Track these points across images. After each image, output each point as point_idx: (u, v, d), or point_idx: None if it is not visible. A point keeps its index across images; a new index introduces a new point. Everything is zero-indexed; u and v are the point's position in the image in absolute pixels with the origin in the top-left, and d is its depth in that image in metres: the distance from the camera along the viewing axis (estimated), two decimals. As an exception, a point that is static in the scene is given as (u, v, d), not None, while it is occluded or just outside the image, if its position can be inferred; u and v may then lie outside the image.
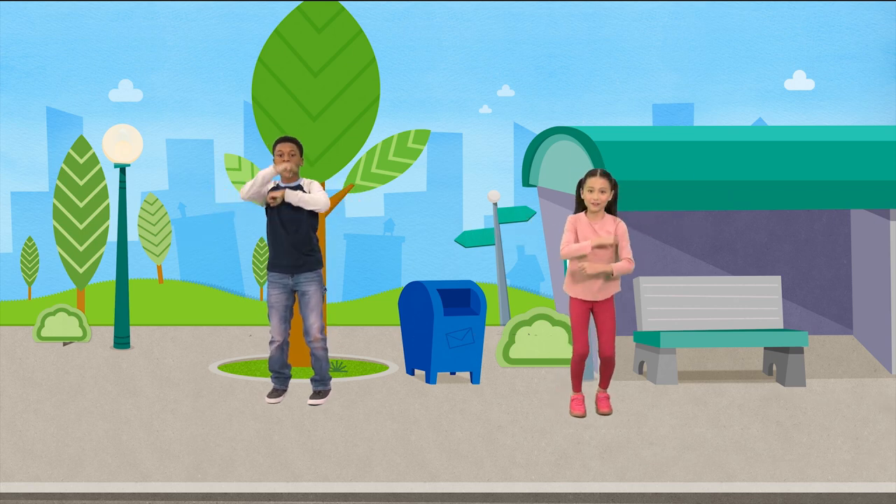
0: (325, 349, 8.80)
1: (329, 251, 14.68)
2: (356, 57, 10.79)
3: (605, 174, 8.18)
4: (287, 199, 8.54)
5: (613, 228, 8.21)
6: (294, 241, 8.63)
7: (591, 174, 8.19)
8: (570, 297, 8.36)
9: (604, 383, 8.50)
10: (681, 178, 10.25)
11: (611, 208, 8.27)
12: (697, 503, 6.09)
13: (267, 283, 8.84)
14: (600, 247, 8.16)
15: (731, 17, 15.13)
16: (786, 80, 15.10)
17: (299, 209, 8.60)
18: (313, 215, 8.71)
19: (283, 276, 8.69)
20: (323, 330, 8.71)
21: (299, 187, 8.69)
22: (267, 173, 8.53)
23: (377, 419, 8.12)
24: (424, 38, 15.05)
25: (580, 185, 8.26)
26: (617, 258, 8.27)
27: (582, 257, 8.16)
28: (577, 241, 8.21)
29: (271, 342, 8.80)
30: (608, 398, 8.51)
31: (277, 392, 9.02)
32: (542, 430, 7.78)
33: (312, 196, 8.62)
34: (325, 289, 8.78)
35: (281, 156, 8.63)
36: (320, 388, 8.94)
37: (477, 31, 15.10)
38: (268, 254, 15.31)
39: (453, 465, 6.64)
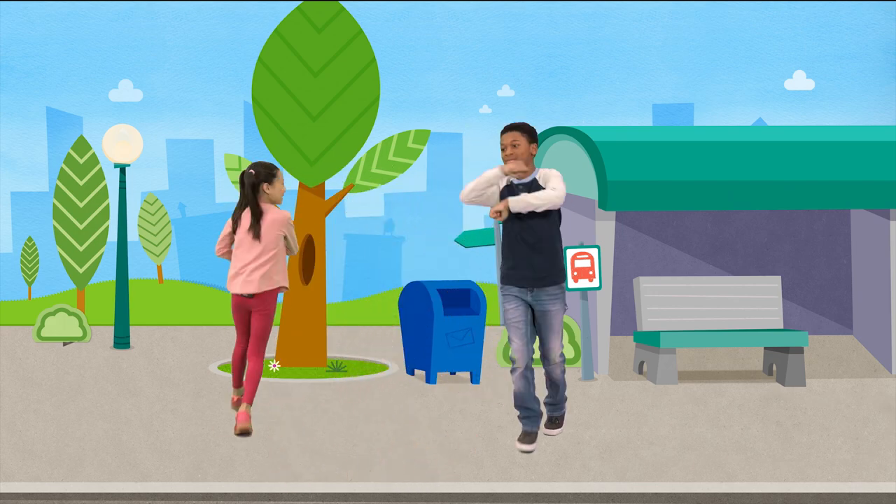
0: (564, 371, 7.36)
1: (329, 251, 14.68)
2: (356, 57, 10.79)
3: None
4: (513, 210, 7.03)
5: None
6: (533, 249, 7.09)
7: (277, 168, 8.06)
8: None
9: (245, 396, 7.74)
10: (681, 178, 10.25)
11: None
12: (697, 503, 6.09)
13: (501, 296, 7.33)
14: None
15: (731, 17, 15.13)
16: (786, 80, 15.10)
17: (538, 213, 7.09)
18: (557, 217, 7.18)
19: (521, 291, 7.11)
20: (563, 353, 7.31)
21: (535, 183, 7.10)
22: (490, 175, 7.09)
23: (377, 419, 8.12)
24: (424, 38, 15.05)
25: (270, 181, 7.98)
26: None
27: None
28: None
29: (513, 370, 7.12)
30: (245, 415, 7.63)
31: (529, 436, 7.20)
32: (541, 429, 7.77)
33: (542, 194, 7.00)
34: (567, 306, 7.34)
35: (504, 150, 7.14)
36: (555, 414, 7.49)
37: (477, 31, 15.10)
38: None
39: (453, 465, 6.64)
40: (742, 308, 10.52)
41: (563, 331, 10.85)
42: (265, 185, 7.90)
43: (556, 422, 7.49)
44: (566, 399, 7.49)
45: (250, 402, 7.66)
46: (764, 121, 15.02)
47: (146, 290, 15.10)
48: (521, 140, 7.05)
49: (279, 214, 7.89)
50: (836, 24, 15.06)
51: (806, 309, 11.95)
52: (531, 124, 7.17)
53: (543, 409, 7.46)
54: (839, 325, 11.92)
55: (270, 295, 7.79)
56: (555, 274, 7.11)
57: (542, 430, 7.49)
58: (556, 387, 7.32)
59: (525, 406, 7.14)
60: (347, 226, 15.05)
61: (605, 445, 7.28)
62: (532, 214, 7.04)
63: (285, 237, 7.88)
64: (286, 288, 7.92)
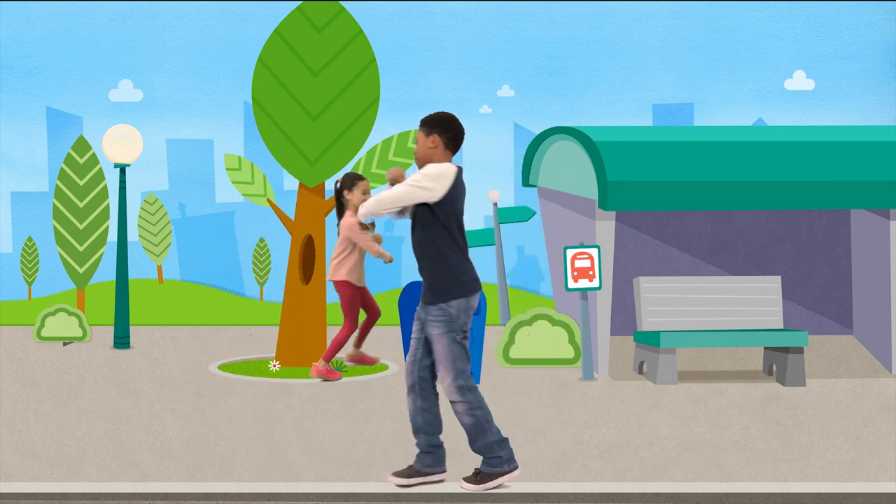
0: (467, 413, 6.01)
1: (329, 251, 14.67)
2: (356, 57, 10.79)
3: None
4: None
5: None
6: (418, 261, 6.19)
7: (362, 179, 9.75)
8: (353, 286, 9.87)
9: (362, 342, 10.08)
10: (681, 178, 10.25)
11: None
12: (697, 503, 6.09)
13: None
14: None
15: (731, 17, 15.13)
16: (786, 80, 15.10)
17: (415, 216, 6.14)
18: (430, 220, 6.05)
19: (420, 307, 6.21)
20: (460, 388, 5.98)
21: None
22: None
23: (377, 419, 8.12)
24: (424, 38, 15.05)
25: (350, 188, 9.68)
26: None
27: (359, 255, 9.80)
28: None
29: None
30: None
31: (406, 470, 6.18)
32: (542, 430, 7.77)
33: (375, 197, 6.18)
34: (461, 333, 6.03)
35: None
36: (479, 467, 6.13)
37: (477, 31, 15.10)
38: (269, 254, 15.34)
39: (453, 465, 6.64)
40: (742, 308, 10.51)
41: (570, 331, 10.86)
42: (346, 192, 9.50)
43: (476, 476, 6.08)
44: (493, 452, 6.04)
45: (326, 360, 9.90)
46: (764, 121, 15.02)
47: (146, 290, 15.10)
48: (419, 136, 6.22)
49: (345, 220, 9.56)
50: (836, 24, 15.06)
51: (806, 309, 11.95)
52: (446, 112, 6.31)
53: (436, 451, 6.18)
54: (839, 325, 11.92)
55: (337, 284, 9.72)
56: (434, 293, 6.01)
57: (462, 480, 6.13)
58: (464, 427, 6.06)
59: (414, 433, 6.20)
60: (347, 226, 15.04)
61: (605, 445, 7.28)
62: (413, 219, 6.12)
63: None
64: (344, 282, 9.73)
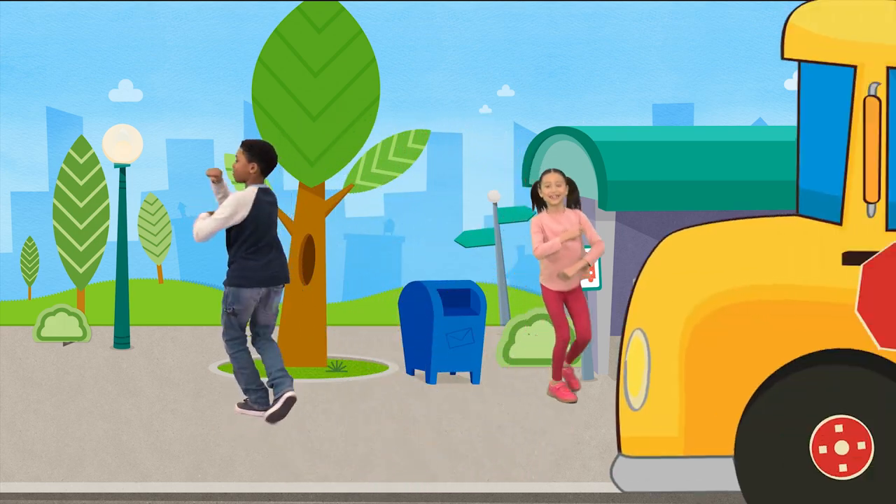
0: (231, 362, 8.37)
1: (329, 251, 14.68)
2: (356, 57, 10.79)
3: (558, 171, 9.20)
4: None
5: (576, 219, 9.09)
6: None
7: (545, 173, 9.20)
8: (548, 290, 9.06)
9: (572, 359, 9.36)
10: (681, 178, 10.25)
11: (573, 203, 9.20)
12: (698, 503, 6.09)
13: None
14: (570, 239, 8.91)
15: (731, 17, 15.13)
16: (786, 80, 15.10)
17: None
18: (234, 227, 8.29)
19: None
20: (227, 347, 8.41)
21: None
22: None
23: (377, 419, 8.12)
24: (424, 38, 15.04)
25: (536, 186, 9.15)
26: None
27: (555, 254, 8.92)
28: (545, 238, 8.91)
29: None
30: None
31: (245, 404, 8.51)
32: (542, 430, 7.77)
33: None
34: (230, 309, 8.21)
35: None
36: (242, 400, 8.50)
37: (477, 31, 15.10)
38: None
39: (453, 465, 6.64)
40: (742, 308, 10.49)
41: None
42: (539, 191, 9.05)
43: (242, 404, 8.39)
44: (249, 395, 8.26)
45: (569, 362, 9.22)
46: (764, 121, 15.02)
47: (146, 290, 15.09)
48: (240, 156, 8.22)
49: None
50: (836, 24, 15.04)
51: (806, 309, 11.93)
52: (257, 139, 8.35)
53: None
54: (839, 325, 11.90)
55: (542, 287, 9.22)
56: (227, 276, 8.27)
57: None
58: None
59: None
60: (347, 226, 15.04)
61: (605, 445, 7.28)
62: None
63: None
64: (541, 284, 9.08)
